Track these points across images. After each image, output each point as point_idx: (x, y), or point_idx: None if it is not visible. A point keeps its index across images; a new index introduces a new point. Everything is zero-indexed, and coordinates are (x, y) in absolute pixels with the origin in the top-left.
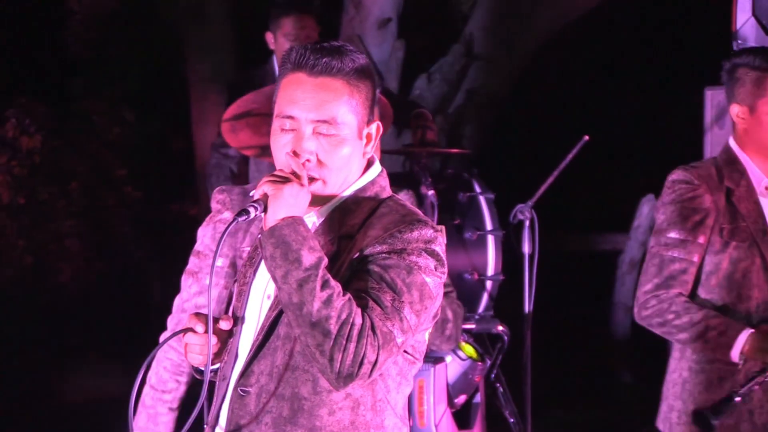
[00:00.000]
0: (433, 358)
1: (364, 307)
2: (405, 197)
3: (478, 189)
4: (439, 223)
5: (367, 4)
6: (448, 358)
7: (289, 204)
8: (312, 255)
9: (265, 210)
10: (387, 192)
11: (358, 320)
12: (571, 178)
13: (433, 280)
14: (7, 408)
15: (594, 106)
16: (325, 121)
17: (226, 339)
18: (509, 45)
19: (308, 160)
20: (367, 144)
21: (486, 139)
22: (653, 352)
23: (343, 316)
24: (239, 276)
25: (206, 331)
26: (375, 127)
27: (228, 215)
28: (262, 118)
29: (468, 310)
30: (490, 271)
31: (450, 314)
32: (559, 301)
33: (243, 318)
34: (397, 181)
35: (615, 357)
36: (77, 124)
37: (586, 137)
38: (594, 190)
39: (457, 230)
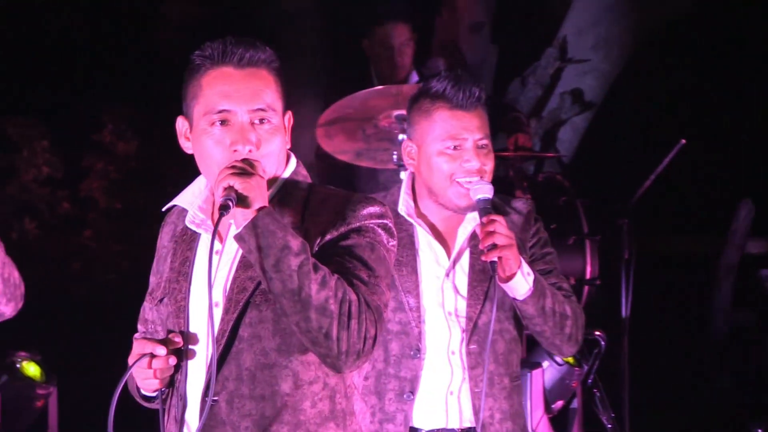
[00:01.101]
0: (530, 363)
1: (350, 285)
2: (523, 207)
3: (574, 193)
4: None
5: (460, 9)
6: (545, 364)
7: (260, 195)
8: (297, 240)
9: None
10: (308, 180)
11: (353, 296)
12: (667, 181)
13: (389, 254)
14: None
15: (691, 108)
16: (261, 110)
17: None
18: (604, 48)
19: (250, 151)
20: (286, 134)
21: (580, 142)
22: (751, 356)
23: (339, 294)
24: (168, 293)
25: (168, 354)
26: (288, 117)
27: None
28: (357, 122)
29: None
30: (588, 275)
31: (570, 311)
32: (656, 305)
33: (190, 333)
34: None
35: (712, 362)
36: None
37: (683, 141)
38: (691, 193)
39: (554, 235)
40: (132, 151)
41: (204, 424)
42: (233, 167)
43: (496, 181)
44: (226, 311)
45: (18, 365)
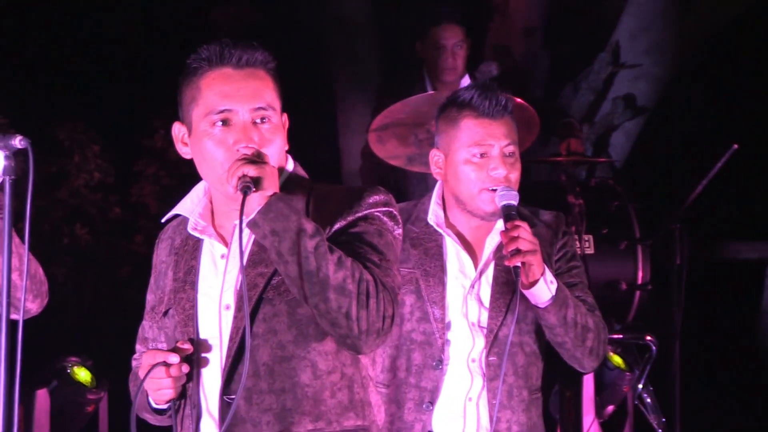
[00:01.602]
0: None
1: (364, 267)
2: (551, 219)
3: (626, 198)
4: (587, 233)
5: (513, 13)
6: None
7: (273, 181)
8: (310, 223)
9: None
10: (307, 178)
11: (369, 276)
12: (718, 186)
13: (396, 241)
14: None
15: (743, 113)
16: (262, 108)
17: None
18: (656, 52)
19: (253, 149)
20: (284, 134)
21: (633, 147)
22: None
23: (357, 274)
24: (174, 304)
25: (187, 360)
26: (285, 119)
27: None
28: (409, 127)
29: (617, 320)
30: (639, 280)
31: (592, 324)
32: (707, 310)
33: (200, 340)
34: (544, 190)
35: (763, 367)
36: None
37: (735, 146)
38: (741, 198)
39: (606, 240)
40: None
41: (221, 423)
42: (244, 157)
43: (547, 186)
44: (238, 309)
45: (69, 370)
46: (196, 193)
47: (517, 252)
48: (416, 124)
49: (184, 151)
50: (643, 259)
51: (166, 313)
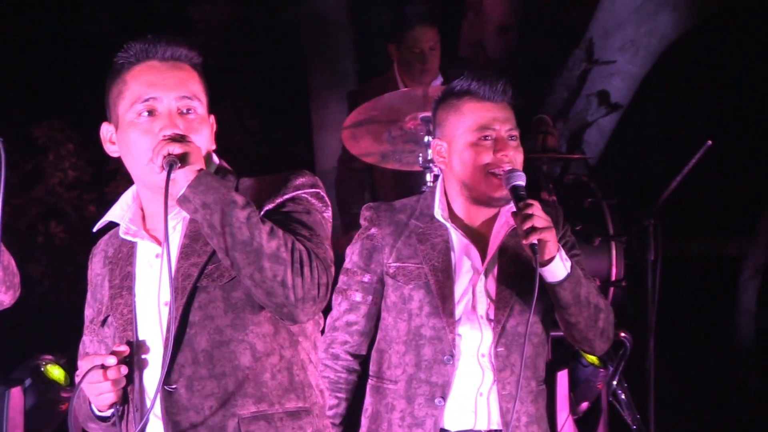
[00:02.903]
0: (555, 364)
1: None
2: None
3: (600, 195)
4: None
5: (487, 11)
6: (570, 364)
7: (198, 158)
8: (240, 196)
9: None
10: (232, 171)
11: (301, 246)
12: (693, 182)
13: (326, 222)
14: None
15: (717, 110)
16: (187, 98)
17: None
18: (630, 49)
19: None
20: (212, 135)
21: (607, 144)
22: None
23: (289, 243)
24: (112, 310)
25: (119, 363)
26: (212, 120)
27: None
28: (383, 125)
29: None
30: (613, 276)
31: (603, 304)
32: (682, 306)
33: (139, 342)
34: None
35: (739, 363)
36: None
37: (710, 142)
38: (717, 194)
39: (580, 236)
40: None
41: (166, 413)
42: (167, 137)
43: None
44: (174, 301)
45: (42, 368)
46: (125, 199)
47: (533, 230)
48: (390, 121)
49: (112, 150)
50: (617, 256)
51: (104, 322)
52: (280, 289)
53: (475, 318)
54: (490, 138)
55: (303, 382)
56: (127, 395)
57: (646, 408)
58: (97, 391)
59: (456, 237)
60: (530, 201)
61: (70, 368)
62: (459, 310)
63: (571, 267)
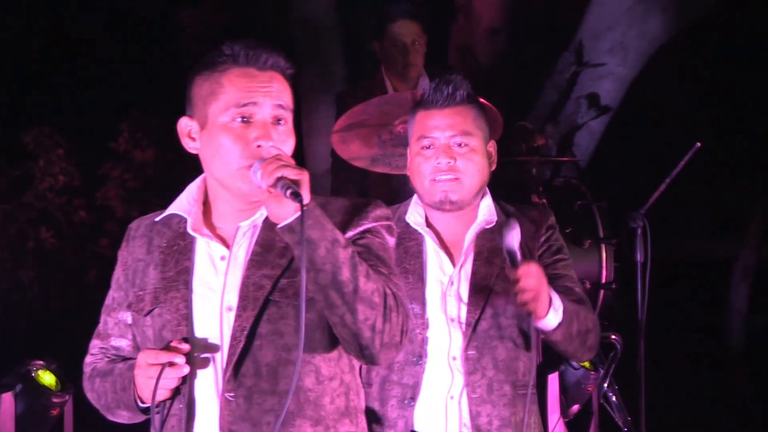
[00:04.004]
0: (546, 367)
1: None
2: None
3: (590, 197)
4: None
5: (477, 13)
6: (561, 367)
7: (308, 188)
8: (341, 234)
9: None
10: None
11: (390, 291)
12: (683, 184)
13: (393, 255)
14: None
15: (707, 112)
16: (282, 107)
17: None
18: (620, 52)
19: (274, 147)
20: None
21: (597, 146)
22: None
23: (380, 287)
24: (164, 304)
25: (187, 361)
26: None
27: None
28: (372, 129)
29: None
30: (603, 279)
31: (591, 324)
32: (673, 309)
33: (195, 340)
34: (508, 190)
35: (730, 365)
36: None
37: (698, 144)
38: (707, 196)
39: (570, 239)
40: (149, 159)
41: (222, 420)
42: (279, 159)
43: (512, 186)
44: (243, 309)
45: (33, 374)
46: (191, 193)
47: (524, 303)
48: (379, 125)
49: (191, 146)
50: (607, 258)
51: (149, 313)
52: (369, 333)
53: (445, 320)
54: (431, 146)
55: (357, 408)
56: (179, 390)
57: (637, 410)
58: (161, 386)
59: (429, 241)
60: (521, 272)
61: (61, 374)
62: (430, 313)
63: (563, 312)
